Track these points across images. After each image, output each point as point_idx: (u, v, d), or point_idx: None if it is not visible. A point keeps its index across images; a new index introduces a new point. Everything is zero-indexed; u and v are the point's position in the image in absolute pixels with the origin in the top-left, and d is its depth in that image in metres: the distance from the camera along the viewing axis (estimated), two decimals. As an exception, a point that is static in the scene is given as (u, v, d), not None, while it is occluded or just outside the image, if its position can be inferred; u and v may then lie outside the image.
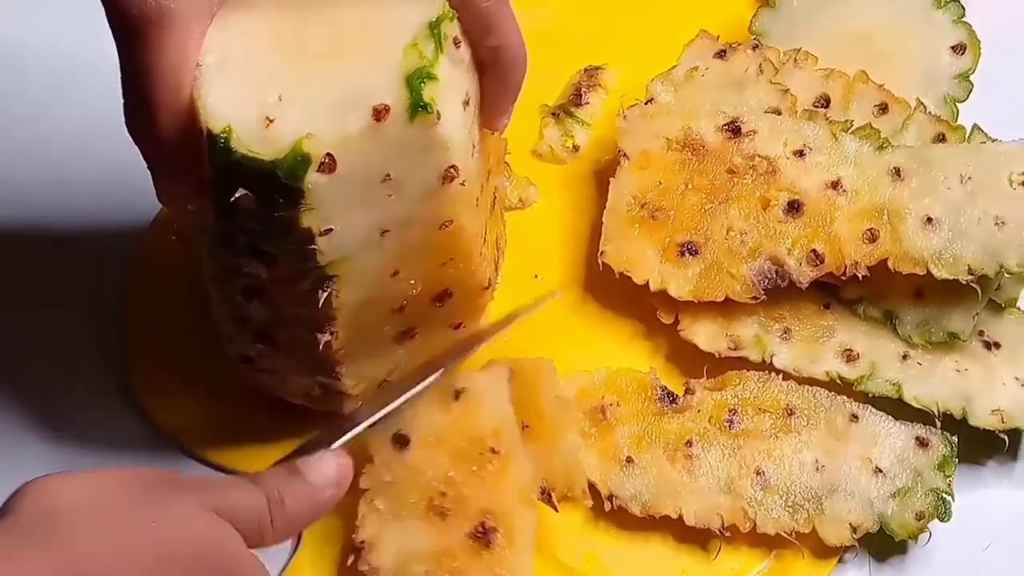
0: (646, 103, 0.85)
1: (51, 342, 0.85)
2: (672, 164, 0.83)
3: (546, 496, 0.75)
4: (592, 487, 0.76)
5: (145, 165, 0.65)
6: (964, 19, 0.88)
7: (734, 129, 0.83)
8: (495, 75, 0.67)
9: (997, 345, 0.80)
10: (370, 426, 0.73)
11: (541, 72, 0.90)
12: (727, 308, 0.80)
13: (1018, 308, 0.81)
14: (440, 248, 0.69)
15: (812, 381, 0.79)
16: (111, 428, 0.82)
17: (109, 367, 0.84)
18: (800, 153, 0.82)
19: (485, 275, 0.75)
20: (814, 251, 0.79)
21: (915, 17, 0.88)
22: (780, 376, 0.79)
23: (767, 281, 0.80)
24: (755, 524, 0.75)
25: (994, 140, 0.82)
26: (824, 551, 0.76)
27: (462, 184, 0.65)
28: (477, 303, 0.77)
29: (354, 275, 0.66)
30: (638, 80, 0.87)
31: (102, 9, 0.62)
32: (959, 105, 0.87)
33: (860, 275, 0.79)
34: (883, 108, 0.85)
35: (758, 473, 0.76)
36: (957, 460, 0.76)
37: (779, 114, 0.84)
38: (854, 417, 0.77)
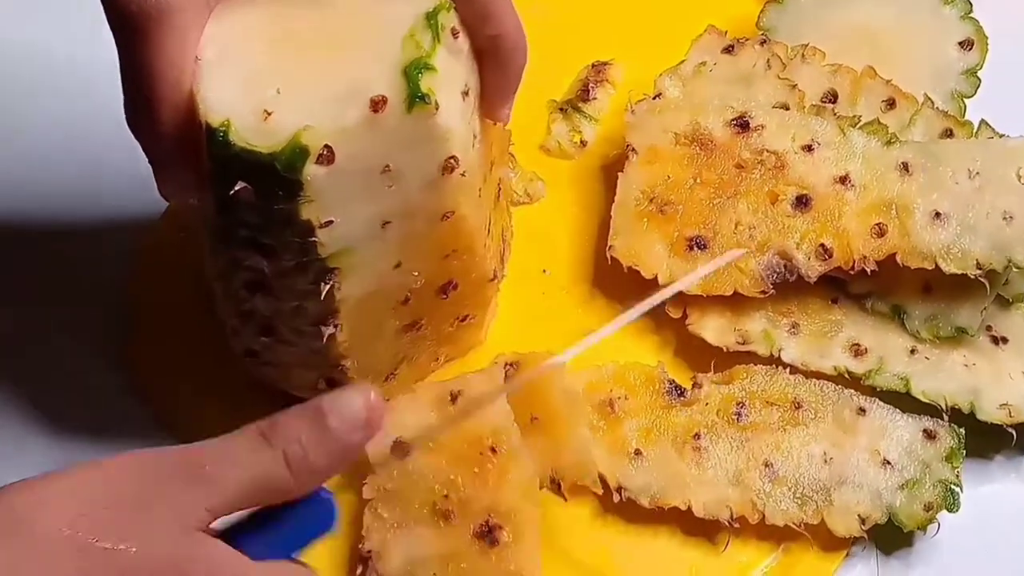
0: (654, 98, 0.86)
1: (55, 337, 0.85)
2: (680, 159, 0.83)
3: (555, 486, 0.75)
4: (601, 480, 0.76)
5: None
6: (971, 15, 0.88)
7: (742, 124, 0.83)
8: (495, 65, 0.67)
9: (1005, 340, 0.80)
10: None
11: (549, 67, 0.91)
12: (735, 302, 0.80)
13: (1025, 303, 0.82)
14: (443, 239, 0.69)
15: (820, 375, 0.79)
16: (115, 423, 0.82)
17: (113, 362, 0.84)
18: (808, 148, 0.82)
19: (490, 267, 0.75)
20: (822, 246, 0.79)
21: (922, 13, 0.89)
22: (788, 370, 0.79)
23: (775, 275, 0.80)
24: (764, 516, 0.75)
25: (1002, 135, 0.83)
26: (833, 543, 0.76)
27: (462, 175, 0.65)
28: (483, 295, 0.77)
29: (356, 267, 0.66)
30: (646, 75, 0.87)
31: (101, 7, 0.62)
32: (967, 100, 0.87)
33: (868, 270, 0.79)
34: (891, 103, 0.85)
35: (766, 465, 0.76)
36: (965, 452, 0.76)
37: (787, 109, 0.84)
38: (861, 410, 0.77)
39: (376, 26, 0.62)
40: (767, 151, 0.82)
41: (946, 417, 0.77)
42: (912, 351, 0.79)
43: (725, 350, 0.80)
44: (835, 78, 0.86)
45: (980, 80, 0.87)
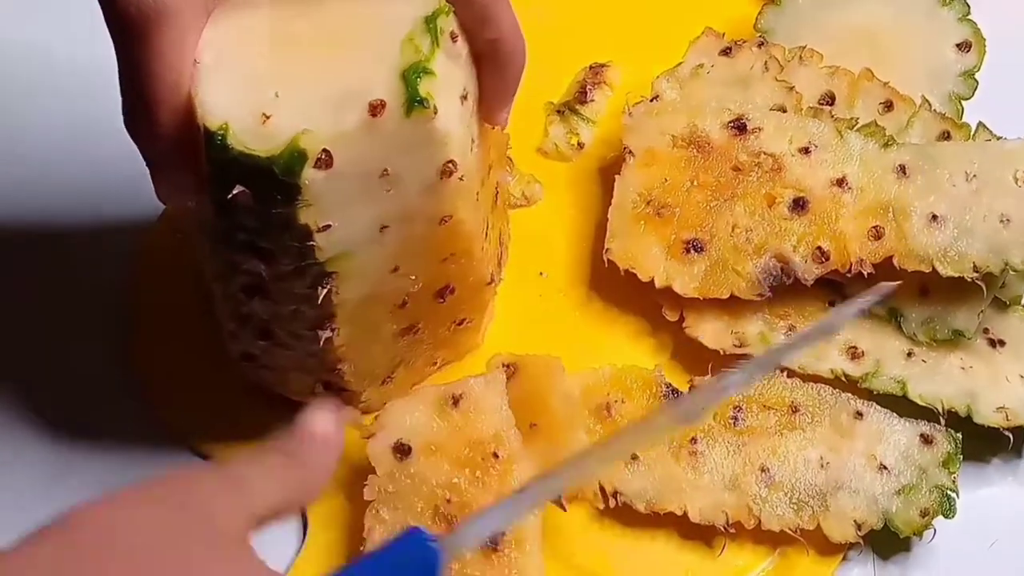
0: (651, 100, 0.85)
1: (54, 338, 0.85)
2: (677, 161, 0.83)
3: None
4: (597, 484, 0.76)
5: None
6: (969, 16, 0.88)
7: (739, 126, 0.83)
8: (493, 68, 0.67)
9: (1002, 343, 0.80)
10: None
11: (546, 70, 0.91)
12: (732, 305, 0.80)
13: (1023, 306, 0.81)
14: (440, 243, 0.69)
15: (817, 378, 0.79)
16: (115, 424, 0.82)
17: (113, 363, 0.84)
18: (805, 150, 0.82)
19: (487, 270, 0.75)
20: (819, 248, 0.79)
21: (920, 15, 0.88)
22: (785, 373, 0.79)
23: (772, 278, 0.80)
24: (760, 521, 0.75)
25: (999, 138, 0.82)
26: (829, 548, 0.76)
27: (460, 179, 0.65)
28: (480, 299, 0.77)
29: (354, 271, 0.66)
30: (643, 77, 0.87)
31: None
32: (964, 103, 0.86)
33: (865, 272, 0.79)
34: (888, 106, 0.85)
35: (763, 470, 0.76)
36: (962, 457, 0.76)
37: (784, 111, 0.84)
38: (858, 414, 0.77)
39: (375, 30, 0.62)
40: (764, 153, 0.82)
41: (943, 420, 0.77)
42: (909, 354, 0.79)
43: (722, 353, 0.80)
44: (832, 80, 0.86)
45: (977, 82, 0.87)
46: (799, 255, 0.79)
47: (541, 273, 0.86)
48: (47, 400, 0.83)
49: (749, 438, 0.77)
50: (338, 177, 0.61)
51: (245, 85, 0.61)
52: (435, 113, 0.62)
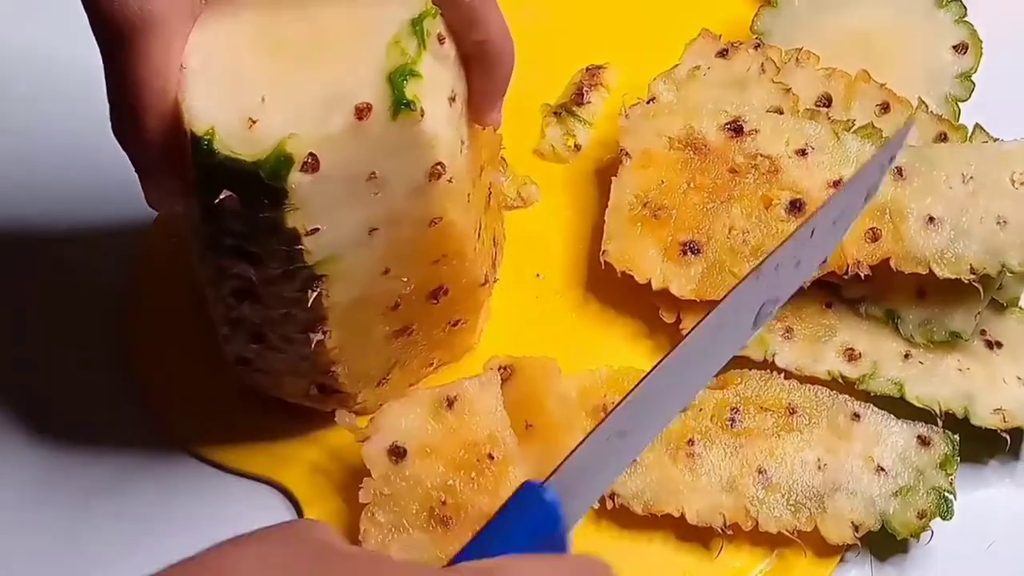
0: (648, 102, 0.85)
1: (52, 342, 0.85)
2: (674, 163, 0.83)
3: (549, 495, 0.75)
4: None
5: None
6: (966, 18, 0.88)
7: (736, 128, 0.83)
8: (482, 70, 0.67)
9: (999, 344, 0.80)
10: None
11: (543, 71, 0.92)
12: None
13: (1020, 307, 0.81)
14: (431, 245, 0.69)
15: (814, 380, 0.79)
16: (113, 428, 0.82)
17: (111, 367, 0.84)
18: (802, 152, 0.82)
19: (481, 271, 0.75)
20: (816, 250, 0.79)
21: (917, 16, 0.88)
22: (782, 375, 0.79)
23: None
24: (757, 523, 0.75)
25: (996, 139, 0.82)
26: (826, 550, 0.76)
27: (449, 181, 0.65)
28: (475, 299, 0.77)
29: (343, 274, 0.66)
30: (640, 79, 0.87)
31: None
32: (961, 104, 0.86)
33: (862, 274, 0.79)
34: (885, 107, 0.85)
35: (760, 472, 0.76)
36: (959, 459, 0.76)
37: (781, 113, 0.84)
38: (856, 416, 0.77)
39: (362, 33, 0.62)
40: (761, 155, 0.82)
41: (940, 422, 0.77)
42: (906, 356, 0.79)
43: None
44: (829, 82, 0.86)
45: (974, 84, 0.87)
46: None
47: (538, 275, 0.86)
48: (46, 404, 0.83)
49: (746, 440, 0.77)
50: (325, 180, 0.61)
51: (231, 89, 0.61)
52: (422, 115, 0.61)
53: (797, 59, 0.86)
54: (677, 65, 0.87)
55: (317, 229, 0.63)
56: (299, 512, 0.78)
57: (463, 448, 0.74)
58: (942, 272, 0.78)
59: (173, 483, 0.80)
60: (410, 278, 0.70)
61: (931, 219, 0.79)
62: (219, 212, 0.62)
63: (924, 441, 0.76)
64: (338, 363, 0.72)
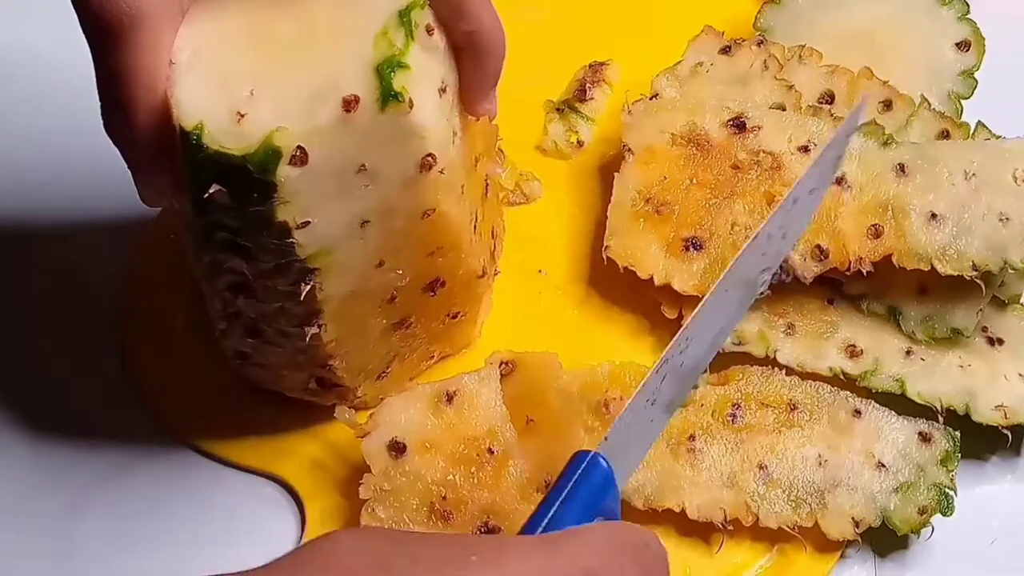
0: (651, 98, 0.86)
1: (51, 336, 0.85)
2: (677, 159, 0.83)
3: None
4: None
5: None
6: (968, 16, 0.88)
7: (739, 125, 0.83)
8: (472, 60, 0.67)
9: (1000, 341, 0.80)
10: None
11: (546, 68, 0.92)
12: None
13: (1021, 304, 0.81)
14: (425, 237, 0.69)
15: (816, 376, 0.79)
16: (111, 421, 0.82)
17: (110, 361, 0.84)
18: (805, 149, 0.82)
19: (478, 263, 0.75)
20: (818, 247, 0.79)
21: (919, 14, 0.88)
22: (783, 371, 0.79)
23: (772, 276, 0.80)
24: (758, 518, 0.75)
25: (998, 137, 0.82)
26: (826, 545, 0.76)
27: (441, 172, 0.65)
28: (473, 291, 0.77)
29: (336, 267, 0.66)
30: (643, 76, 0.87)
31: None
32: (963, 102, 0.87)
33: (864, 271, 0.79)
34: (887, 104, 0.85)
35: (761, 467, 0.76)
36: (960, 455, 0.76)
37: (784, 110, 0.84)
38: (857, 412, 0.77)
39: (350, 25, 0.62)
40: (763, 152, 0.82)
41: (941, 419, 0.77)
42: (908, 352, 0.79)
43: (721, 351, 0.79)
44: (832, 79, 0.86)
45: (977, 81, 0.87)
46: (798, 253, 0.79)
47: (540, 270, 0.86)
48: (44, 397, 0.83)
49: (747, 435, 0.77)
50: (314, 173, 0.61)
51: (220, 84, 0.61)
52: (410, 107, 0.61)
53: (800, 56, 0.86)
54: (680, 62, 0.87)
55: (308, 222, 0.63)
56: (299, 506, 0.79)
57: (463, 443, 0.75)
58: (944, 269, 0.78)
59: (172, 477, 0.80)
60: (405, 270, 0.70)
61: (933, 216, 0.79)
62: (210, 206, 0.62)
63: (925, 437, 0.76)
64: (335, 356, 0.72)
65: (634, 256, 0.81)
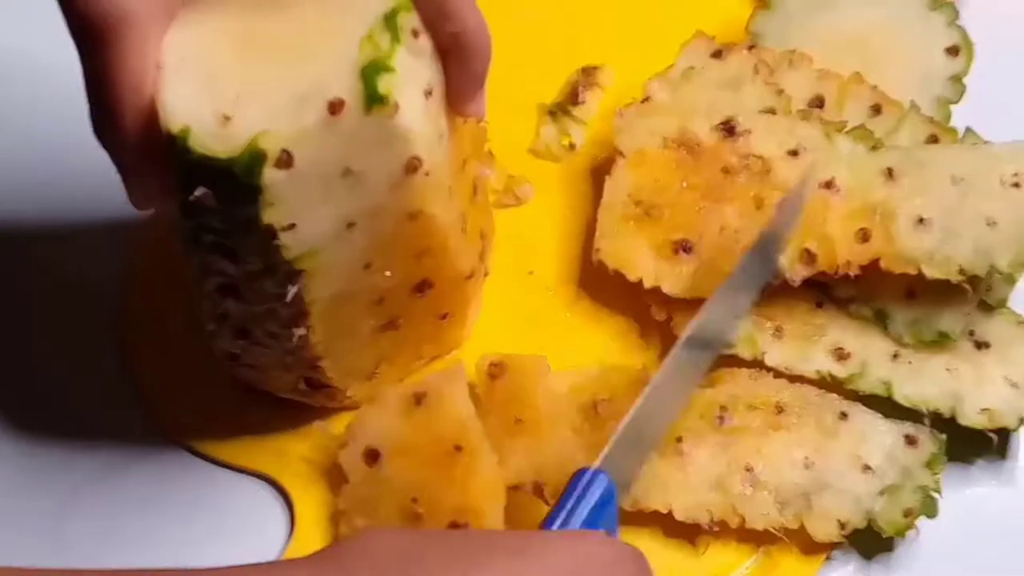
0: (642, 102, 0.86)
1: (46, 335, 0.86)
2: (668, 163, 0.83)
3: (538, 491, 0.76)
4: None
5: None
6: (958, 22, 0.88)
7: (729, 129, 0.83)
8: (458, 63, 0.67)
9: (987, 345, 0.80)
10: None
11: (539, 71, 0.93)
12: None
13: (1008, 308, 0.82)
14: (412, 239, 0.69)
15: (803, 379, 0.79)
16: (104, 420, 0.83)
17: (106, 362, 0.85)
18: (794, 153, 0.82)
19: (466, 264, 0.75)
20: (807, 250, 0.79)
21: (909, 19, 0.89)
22: (771, 374, 0.79)
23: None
24: (744, 520, 0.75)
25: (986, 142, 0.83)
26: (812, 547, 0.76)
27: (427, 174, 0.65)
28: (461, 293, 0.78)
29: (323, 269, 0.66)
30: (635, 79, 0.87)
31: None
32: (952, 107, 0.87)
33: (852, 274, 0.79)
34: (877, 109, 0.85)
35: (748, 470, 0.76)
36: (946, 458, 0.76)
37: (774, 114, 0.84)
38: (843, 415, 0.77)
39: (337, 29, 0.62)
40: (753, 156, 0.82)
41: (927, 422, 0.77)
42: (895, 355, 0.80)
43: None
44: (822, 83, 0.86)
45: (966, 87, 0.87)
46: (787, 256, 0.80)
47: (530, 272, 0.86)
48: (37, 395, 0.84)
49: (735, 438, 0.77)
50: (300, 176, 0.61)
51: (207, 87, 0.61)
52: (396, 110, 0.62)
53: (791, 61, 0.86)
54: (672, 66, 0.87)
55: (294, 225, 0.63)
56: (290, 506, 0.79)
57: (432, 443, 0.75)
58: (931, 273, 0.78)
59: (163, 476, 0.81)
60: (392, 272, 0.70)
61: (921, 220, 0.79)
62: (196, 209, 0.62)
63: (911, 440, 0.77)
64: (324, 358, 0.73)
65: (624, 259, 0.82)
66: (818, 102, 0.85)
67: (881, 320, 0.80)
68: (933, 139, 0.83)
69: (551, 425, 0.77)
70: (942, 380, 0.79)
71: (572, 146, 0.91)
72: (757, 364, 0.80)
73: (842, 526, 0.75)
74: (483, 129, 0.77)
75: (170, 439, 0.82)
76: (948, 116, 0.86)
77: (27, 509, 0.80)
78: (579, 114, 0.92)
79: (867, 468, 0.76)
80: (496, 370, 0.79)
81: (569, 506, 0.66)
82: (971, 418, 0.78)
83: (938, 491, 0.75)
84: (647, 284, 0.81)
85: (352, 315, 0.71)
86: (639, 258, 0.82)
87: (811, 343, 0.80)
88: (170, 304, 0.85)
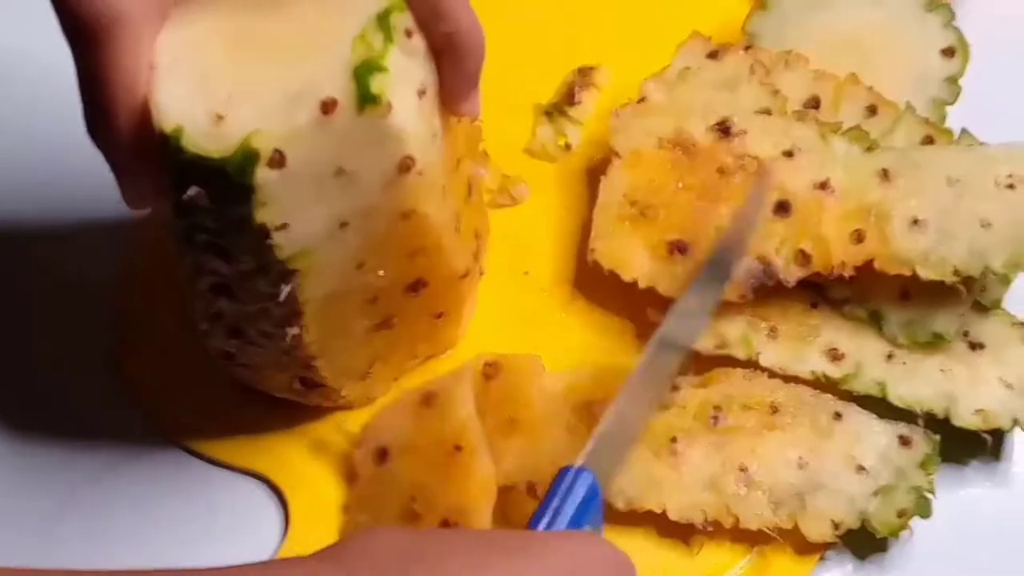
0: (638, 102, 0.86)
1: (41, 334, 0.86)
2: (663, 163, 0.83)
3: (532, 491, 0.76)
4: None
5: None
6: (954, 23, 0.88)
7: (725, 129, 0.83)
8: (451, 62, 0.67)
9: (982, 346, 0.80)
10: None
11: (535, 71, 0.93)
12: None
13: (1003, 309, 0.82)
14: (406, 238, 0.69)
15: (798, 379, 0.79)
16: (100, 419, 0.83)
17: (101, 361, 0.85)
18: (789, 154, 0.82)
19: (460, 264, 0.75)
20: (802, 251, 0.79)
21: (906, 20, 0.88)
22: (766, 374, 0.79)
23: (755, 280, 0.80)
24: (738, 520, 0.75)
25: (982, 143, 0.83)
26: (806, 548, 0.76)
27: (420, 174, 0.65)
28: (455, 292, 0.78)
29: (316, 269, 0.66)
30: (631, 80, 0.88)
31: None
32: (948, 108, 0.87)
33: (847, 275, 0.79)
34: (873, 110, 0.85)
35: (742, 470, 0.76)
36: (940, 459, 0.76)
37: (770, 115, 0.84)
38: (838, 415, 0.78)
39: (330, 29, 0.62)
40: (749, 156, 0.82)
41: (921, 422, 0.77)
42: (889, 356, 0.80)
43: (704, 353, 0.80)
44: (818, 84, 0.86)
45: (961, 88, 0.87)
46: (781, 257, 0.80)
47: (526, 272, 0.86)
48: (32, 394, 0.84)
49: (729, 438, 0.77)
50: (292, 176, 0.61)
51: (200, 87, 0.61)
52: (388, 110, 0.62)
53: (787, 61, 0.86)
54: (668, 66, 0.87)
55: (287, 224, 0.63)
56: (284, 505, 0.79)
57: (436, 443, 0.75)
58: (926, 274, 0.78)
59: (159, 475, 0.81)
60: (386, 271, 0.70)
61: (916, 221, 0.79)
62: (189, 208, 0.62)
63: (905, 441, 0.77)
64: (318, 357, 0.73)
65: (619, 259, 0.82)
66: (814, 103, 0.86)
67: (876, 321, 0.80)
68: (929, 140, 0.83)
69: (545, 425, 0.77)
70: (936, 381, 0.79)
71: (568, 146, 0.91)
72: (752, 364, 0.80)
73: (836, 526, 0.75)
74: (478, 129, 0.78)
75: (166, 438, 0.82)
76: (944, 117, 0.86)
77: (23, 509, 0.80)
78: (575, 114, 0.92)
79: (861, 468, 0.76)
80: (491, 370, 0.79)
81: (555, 504, 0.67)
82: (965, 419, 0.78)
83: (932, 492, 0.75)
84: (642, 285, 0.81)
85: (346, 315, 0.71)
86: (634, 258, 0.82)
87: (806, 344, 0.80)
88: (165, 304, 0.85)
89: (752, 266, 0.80)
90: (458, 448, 0.75)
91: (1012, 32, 0.95)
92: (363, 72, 0.61)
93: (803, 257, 0.79)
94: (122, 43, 0.61)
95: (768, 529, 0.75)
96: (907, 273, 0.78)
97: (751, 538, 0.76)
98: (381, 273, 0.70)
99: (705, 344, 0.80)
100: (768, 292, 0.80)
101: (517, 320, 0.84)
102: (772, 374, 0.80)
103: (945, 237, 0.78)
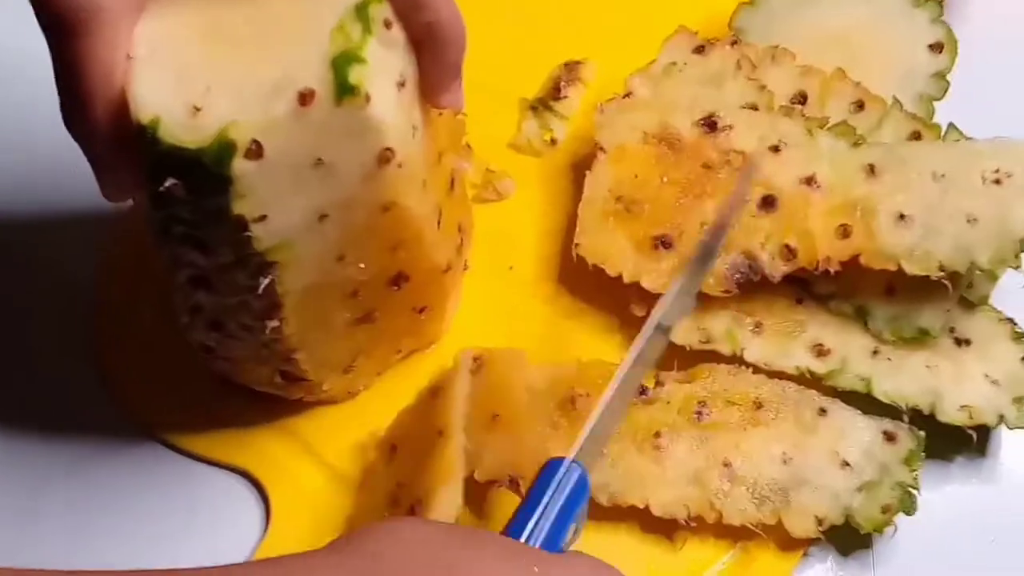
0: (624, 97, 0.86)
1: (19, 327, 0.86)
2: (648, 158, 0.83)
3: (515, 485, 0.75)
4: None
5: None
6: (942, 18, 0.88)
7: (710, 124, 0.83)
8: (431, 53, 0.66)
9: (967, 342, 0.80)
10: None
11: (521, 66, 0.92)
12: (700, 302, 0.80)
13: (989, 305, 0.81)
14: (386, 231, 0.69)
15: (782, 375, 0.79)
16: (78, 412, 0.83)
17: (80, 354, 0.85)
18: (776, 149, 0.82)
19: (442, 258, 0.75)
20: (787, 246, 0.79)
21: (893, 16, 0.88)
22: (750, 369, 0.79)
23: (740, 275, 0.80)
24: (721, 515, 0.75)
25: (969, 138, 0.82)
26: (790, 543, 0.76)
27: (399, 166, 0.65)
28: (438, 287, 0.77)
29: (295, 261, 0.66)
30: (617, 74, 0.87)
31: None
32: (935, 103, 0.87)
33: (832, 270, 0.79)
34: (859, 105, 0.85)
35: (725, 465, 0.76)
36: (924, 455, 0.76)
37: (756, 110, 0.84)
38: (822, 411, 0.77)
39: (309, 20, 0.62)
40: (734, 151, 0.82)
41: (906, 418, 0.77)
42: (874, 352, 0.80)
43: (688, 348, 0.80)
44: (805, 80, 0.86)
45: (949, 83, 0.87)
46: (767, 252, 0.79)
47: (510, 267, 0.86)
48: (10, 388, 0.84)
49: (713, 433, 0.77)
50: (270, 167, 0.61)
51: (178, 78, 0.61)
52: (367, 101, 0.61)
53: (773, 56, 0.86)
54: (654, 61, 0.87)
55: (265, 216, 0.63)
56: (265, 499, 0.79)
57: (428, 432, 0.75)
58: (912, 269, 0.78)
59: (137, 469, 0.80)
60: (367, 264, 0.70)
61: (902, 216, 0.79)
62: (166, 200, 0.62)
63: (889, 437, 0.77)
64: (299, 350, 0.72)
65: (604, 254, 0.82)
66: (800, 98, 0.85)
67: (861, 316, 0.80)
68: (915, 135, 0.83)
69: (529, 419, 0.77)
70: (922, 377, 0.79)
71: (553, 141, 0.91)
72: (736, 360, 0.80)
73: (820, 522, 0.75)
74: (461, 122, 0.77)
75: (144, 432, 0.82)
76: (931, 112, 0.86)
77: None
78: (560, 109, 0.91)
79: (845, 464, 0.76)
80: (475, 364, 0.79)
81: (546, 499, 0.66)
82: (950, 415, 0.78)
83: (916, 488, 0.75)
84: (627, 279, 0.81)
85: (326, 308, 0.71)
86: (619, 253, 0.82)
87: (791, 339, 0.80)
88: (145, 297, 0.84)
89: (737, 261, 0.80)
90: (440, 433, 0.75)
91: (1000, 27, 0.94)
92: (341, 63, 0.61)
93: (789, 252, 0.79)
94: (100, 34, 0.60)
95: (751, 525, 0.75)
96: (893, 268, 0.78)
97: (734, 534, 0.76)
98: (362, 266, 0.69)
99: (690, 339, 0.80)
100: (753, 287, 0.80)
101: (502, 315, 0.84)
102: (757, 369, 0.79)
103: (931, 232, 0.78)
